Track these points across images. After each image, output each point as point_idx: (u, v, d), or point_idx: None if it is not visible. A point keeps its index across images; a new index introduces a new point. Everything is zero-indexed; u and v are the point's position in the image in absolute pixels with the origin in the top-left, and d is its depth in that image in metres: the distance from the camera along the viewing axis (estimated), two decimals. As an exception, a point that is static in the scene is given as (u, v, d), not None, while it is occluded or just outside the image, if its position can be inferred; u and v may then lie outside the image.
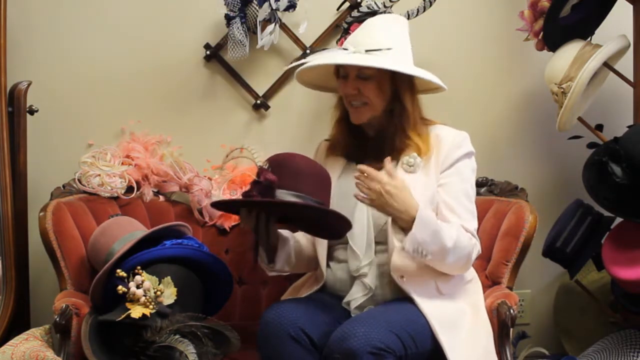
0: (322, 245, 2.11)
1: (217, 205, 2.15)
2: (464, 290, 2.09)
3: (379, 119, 2.09)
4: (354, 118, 2.09)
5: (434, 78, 2.06)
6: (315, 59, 2.10)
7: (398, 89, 2.06)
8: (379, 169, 1.99)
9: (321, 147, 2.27)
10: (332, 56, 2.08)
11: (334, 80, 2.13)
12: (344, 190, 2.06)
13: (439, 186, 2.05)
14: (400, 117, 2.06)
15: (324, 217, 1.99)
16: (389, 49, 2.03)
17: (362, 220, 2.02)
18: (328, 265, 2.10)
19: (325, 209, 1.96)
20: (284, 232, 2.13)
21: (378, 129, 2.11)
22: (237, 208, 2.05)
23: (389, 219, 2.00)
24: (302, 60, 2.15)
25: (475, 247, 2.03)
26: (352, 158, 2.15)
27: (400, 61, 2.04)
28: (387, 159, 1.98)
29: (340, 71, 2.08)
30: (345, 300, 2.03)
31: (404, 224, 1.96)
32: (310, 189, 1.95)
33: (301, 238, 2.18)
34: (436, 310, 1.97)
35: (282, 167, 1.96)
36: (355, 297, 2.01)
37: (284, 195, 1.92)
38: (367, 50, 2.02)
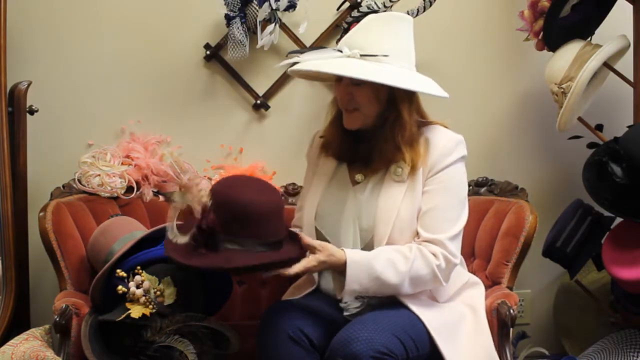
0: None
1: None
2: (462, 293, 2.08)
3: (372, 124, 2.01)
4: (346, 123, 2.01)
5: (432, 90, 1.97)
6: (308, 60, 2.01)
7: (395, 97, 1.97)
8: (369, 172, 2.02)
9: (315, 141, 2.21)
10: (324, 63, 1.96)
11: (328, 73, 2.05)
12: (333, 198, 2.04)
13: (423, 193, 1.98)
14: (394, 125, 1.98)
15: (276, 267, 1.86)
16: (385, 55, 1.93)
17: (349, 235, 2.00)
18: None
19: (268, 262, 1.82)
20: None
21: (371, 134, 2.03)
22: None
23: (375, 234, 1.97)
24: (295, 59, 2.06)
25: (441, 265, 1.93)
26: (343, 159, 2.10)
27: (398, 70, 1.95)
28: (302, 236, 1.90)
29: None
30: (341, 305, 2.02)
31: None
32: (260, 233, 1.82)
33: None
34: (433, 317, 1.96)
35: (228, 213, 1.81)
36: (350, 307, 2.00)
37: (228, 244, 1.80)
38: (362, 55, 1.93)
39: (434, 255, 1.94)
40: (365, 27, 2.00)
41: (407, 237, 1.97)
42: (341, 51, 1.97)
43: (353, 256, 1.90)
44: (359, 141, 2.06)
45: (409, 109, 1.99)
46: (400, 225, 1.96)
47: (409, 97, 1.99)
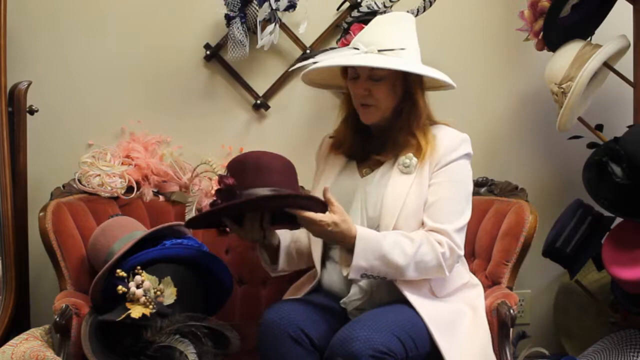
0: (317, 243, 2.10)
1: (192, 225, 2.16)
2: (462, 292, 2.09)
3: (388, 117, 2.07)
4: (364, 118, 2.07)
5: (447, 78, 2.05)
6: (326, 59, 2.07)
7: (410, 89, 2.05)
8: (379, 162, 2.06)
9: (324, 142, 2.25)
10: (346, 58, 2.04)
11: (339, 78, 2.12)
12: (341, 189, 2.07)
13: (429, 186, 2.03)
14: (409, 114, 2.05)
15: (295, 204, 1.93)
16: (402, 49, 2.01)
17: (356, 224, 1.99)
18: (324, 265, 2.11)
19: (288, 193, 1.92)
20: (284, 232, 2.13)
21: (383, 129, 2.09)
22: (216, 222, 2.06)
23: (381, 221, 2.00)
24: (311, 60, 2.12)
25: (446, 253, 1.97)
26: (353, 156, 2.15)
27: (414, 61, 2.04)
28: (326, 188, 1.93)
29: (350, 72, 2.06)
30: (342, 301, 2.03)
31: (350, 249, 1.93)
32: (274, 180, 1.93)
33: (301, 236, 2.17)
34: (433, 313, 1.97)
35: (241, 168, 1.95)
36: (353, 299, 2.01)
37: (247, 194, 1.90)
38: (379, 50, 2.00)
39: (440, 243, 1.97)
40: (375, 26, 2.09)
41: (412, 226, 2.00)
42: (357, 49, 2.03)
43: (363, 232, 1.93)
44: (370, 139, 2.12)
45: (423, 98, 2.08)
46: (406, 215, 2.00)
47: (422, 88, 2.08)
